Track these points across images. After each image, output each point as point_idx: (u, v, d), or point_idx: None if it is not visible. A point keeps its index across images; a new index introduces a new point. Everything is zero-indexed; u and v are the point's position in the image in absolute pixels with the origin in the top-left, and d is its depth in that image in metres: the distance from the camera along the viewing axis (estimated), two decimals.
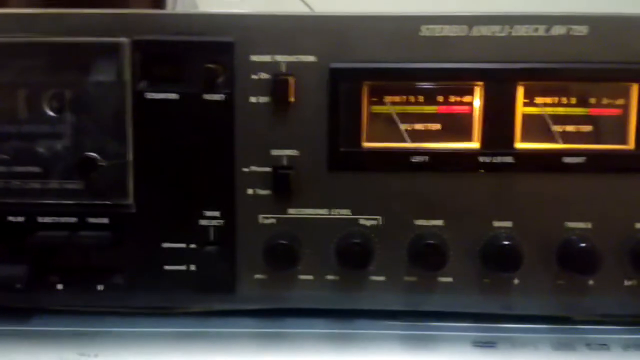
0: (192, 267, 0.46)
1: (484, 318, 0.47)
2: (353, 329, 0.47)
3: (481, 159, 0.44)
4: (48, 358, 0.43)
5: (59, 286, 0.46)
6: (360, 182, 0.45)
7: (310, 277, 0.46)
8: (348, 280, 0.46)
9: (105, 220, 0.45)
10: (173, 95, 0.44)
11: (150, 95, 0.44)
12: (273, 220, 0.46)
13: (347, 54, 0.44)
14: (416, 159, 0.44)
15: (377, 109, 0.45)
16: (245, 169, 0.45)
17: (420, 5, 0.49)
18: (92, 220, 0.45)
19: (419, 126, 0.45)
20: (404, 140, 0.45)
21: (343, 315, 0.47)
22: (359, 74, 0.44)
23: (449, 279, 0.46)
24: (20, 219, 0.45)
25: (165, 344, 0.45)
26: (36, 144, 0.45)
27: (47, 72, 0.44)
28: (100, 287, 0.46)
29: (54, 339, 0.45)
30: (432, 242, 0.44)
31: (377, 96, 0.45)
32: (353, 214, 0.46)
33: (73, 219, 0.45)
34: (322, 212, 0.46)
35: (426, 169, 0.45)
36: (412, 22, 0.44)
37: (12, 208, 0.45)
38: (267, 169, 0.45)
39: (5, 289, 0.45)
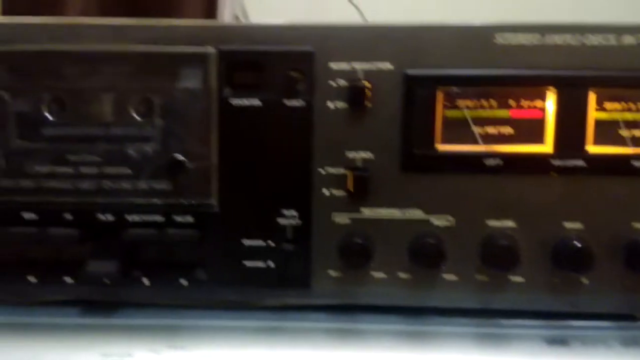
0: (270, 264, 0.48)
1: (552, 316, 0.48)
2: (426, 325, 0.48)
3: (553, 162, 0.46)
4: (139, 349, 0.45)
5: (146, 281, 0.49)
6: (433, 184, 0.47)
7: (382, 274, 0.48)
8: (420, 278, 0.48)
9: (190, 219, 0.48)
10: (256, 102, 0.46)
11: (235, 102, 0.47)
12: (347, 220, 0.48)
13: (422, 61, 0.46)
14: (490, 161, 0.46)
15: (451, 113, 0.46)
16: (322, 171, 0.47)
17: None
18: (178, 218, 0.48)
19: (491, 130, 0.46)
20: (476, 143, 0.46)
21: (415, 312, 0.49)
22: (434, 81, 0.46)
23: (520, 279, 0.47)
24: (111, 217, 0.48)
25: (245, 336, 0.47)
26: (126, 147, 0.47)
27: (137, 79, 0.47)
28: (184, 282, 0.49)
29: (142, 332, 0.47)
30: (504, 242, 0.46)
31: (451, 101, 0.46)
32: (425, 214, 0.47)
33: (160, 218, 0.48)
34: (395, 212, 0.47)
35: (499, 172, 0.46)
36: (487, 31, 0.45)
37: (103, 207, 0.48)
38: (343, 171, 0.47)
39: (94, 283, 0.48)
